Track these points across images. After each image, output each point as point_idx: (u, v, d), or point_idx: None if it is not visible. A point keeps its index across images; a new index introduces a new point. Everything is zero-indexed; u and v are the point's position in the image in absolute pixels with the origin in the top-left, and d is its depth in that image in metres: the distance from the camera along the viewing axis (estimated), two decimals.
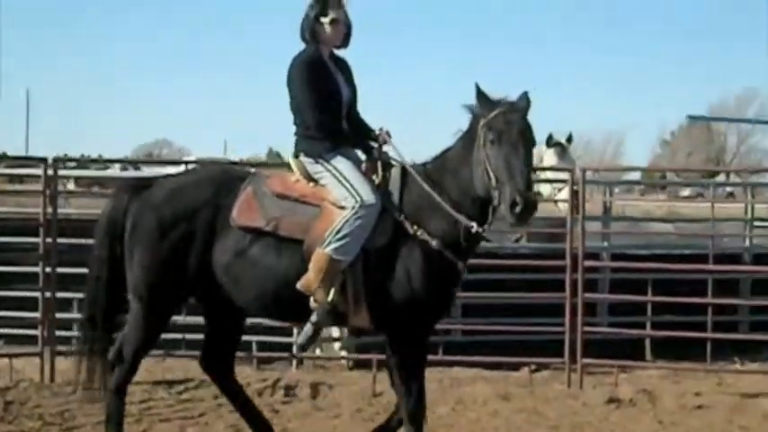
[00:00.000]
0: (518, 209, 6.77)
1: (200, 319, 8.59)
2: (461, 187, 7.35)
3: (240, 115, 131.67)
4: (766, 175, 33.59)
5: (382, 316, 7.50)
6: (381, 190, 7.55)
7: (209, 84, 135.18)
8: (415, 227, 7.41)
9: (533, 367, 12.38)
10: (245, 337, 12.06)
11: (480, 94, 7.24)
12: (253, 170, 8.32)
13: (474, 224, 7.25)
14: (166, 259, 7.75)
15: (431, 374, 11.79)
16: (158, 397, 11.20)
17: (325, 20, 7.76)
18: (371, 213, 7.43)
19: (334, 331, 12.88)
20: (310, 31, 7.78)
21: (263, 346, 12.58)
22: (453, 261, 7.43)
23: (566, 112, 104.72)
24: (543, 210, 15.87)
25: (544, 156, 13.69)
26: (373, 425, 10.32)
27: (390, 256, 7.42)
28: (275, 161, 23.24)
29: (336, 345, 13.06)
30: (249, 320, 12.06)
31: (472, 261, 7.71)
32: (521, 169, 6.91)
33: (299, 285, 7.43)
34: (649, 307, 12.46)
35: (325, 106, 7.68)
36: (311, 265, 7.41)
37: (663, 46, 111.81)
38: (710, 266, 12.03)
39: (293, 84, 7.69)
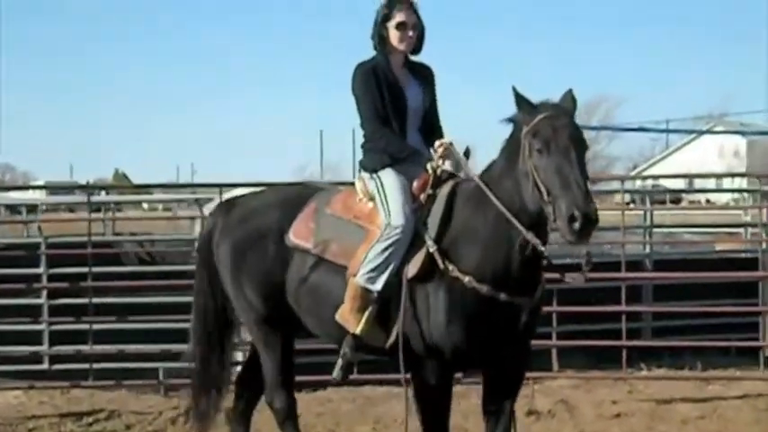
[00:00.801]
0: (577, 225, 5.94)
1: (108, 348, 8.20)
2: (507, 204, 6.47)
3: (85, 138, 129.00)
4: (612, 183, 34.39)
5: (410, 356, 6.81)
6: (425, 210, 6.86)
7: (53, 107, 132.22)
8: (446, 260, 6.63)
9: None
10: (152, 364, 11.88)
11: (519, 99, 6.43)
12: (327, 187, 7.93)
13: (538, 241, 6.38)
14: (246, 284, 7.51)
15: (342, 394, 11.80)
16: (67, 430, 10.77)
17: (390, 24, 7.20)
18: (399, 237, 6.80)
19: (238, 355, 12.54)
20: (377, 36, 7.25)
21: (170, 373, 12.10)
22: (497, 298, 6.54)
23: None
24: None
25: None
26: None
27: (420, 291, 6.73)
28: (122, 183, 22.69)
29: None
30: (156, 347, 11.97)
31: None
32: (575, 179, 6.07)
33: (336, 316, 7.01)
34: (554, 317, 12.46)
35: (386, 117, 7.12)
36: (346, 295, 6.96)
37: (511, 48, 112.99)
38: (622, 274, 12.11)
39: (354, 94, 7.20)
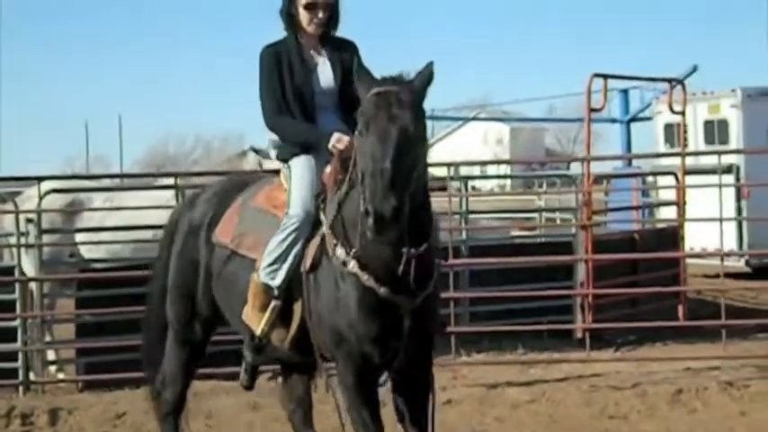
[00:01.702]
0: (370, 221, 5.33)
1: None
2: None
3: None
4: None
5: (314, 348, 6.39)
6: (334, 199, 6.28)
7: None
8: (335, 244, 6.11)
9: (270, 375, 12.06)
10: None
11: (360, 72, 5.88)
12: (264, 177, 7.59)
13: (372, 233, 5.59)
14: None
15: None
16: None
17: (300, 2, 6.73)
18: (295, 227, 6.36)
19: (50, 354, 12.15)
20: (286, 15, 6.80)
21: None
22: (377, 291, 5.95)
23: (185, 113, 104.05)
24: None
25: (264, 161, 13.42)
26: None
27: (317, 283, 6.25)
28: None
29: (52, 368, 12.23)
30: None
31: None
32: (382, 168, 5.33)
33: (243, 316, 6.63)
34: None
35: (286, 103, 6.68)
36: (249, 292, 6.54)
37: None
38: (466, 260, 12.18)
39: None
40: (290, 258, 6.37)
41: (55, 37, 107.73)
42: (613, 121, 33.03)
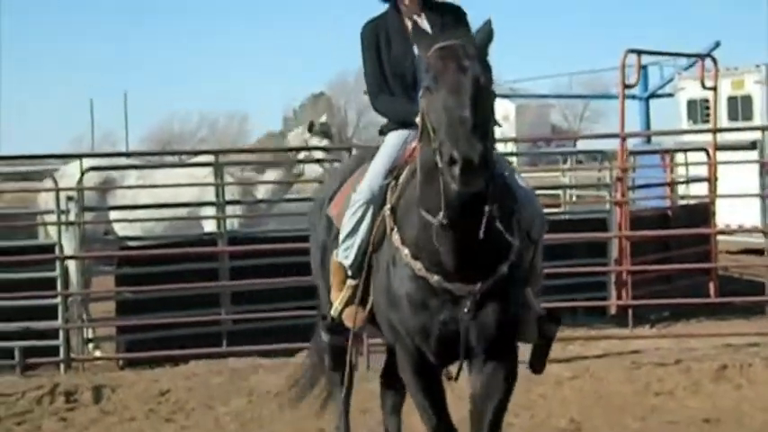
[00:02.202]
0: (456, 169, 4.94)
1: None
2: (425, 164, 5.49)
3: None
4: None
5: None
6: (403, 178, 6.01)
7: None
8: (392, 228, 5.84)
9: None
10: (6, 344, 11.34)
11: (416, 32, 5.67)
12: None
13: (438, 217, 5.39)
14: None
15: (207, 367, 11.53)
16: None
17: None
18: (361, 204, 6.12)
19: (88, 331, 12.15)
20: None
21: (27, 352, 11.53)
22: (430, 280, 5.61)
23: (188, 92, 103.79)
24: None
25: (309, 142, 13.41)
26: (171, 425, 10.01)
27: (378, 266, 6.00)
28: None
29: (90, 345, 12.23)
30: (11, 325, 11.46)
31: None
32: (461, 116, 5.02)
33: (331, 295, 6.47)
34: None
35: (386, 80, 6.39)
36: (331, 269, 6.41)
37: (285, 25, 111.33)
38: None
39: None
40: (360, 236, 6.14)
41: (56, 16, 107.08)
42: (633, 97, 33.00)
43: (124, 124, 71.89)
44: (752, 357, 10.99)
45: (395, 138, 6.37)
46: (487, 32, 5.52)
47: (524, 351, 6.25)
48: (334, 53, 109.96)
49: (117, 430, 9.93)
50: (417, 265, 5.64)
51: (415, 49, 6.03)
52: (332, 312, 6.39)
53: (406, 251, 5.69)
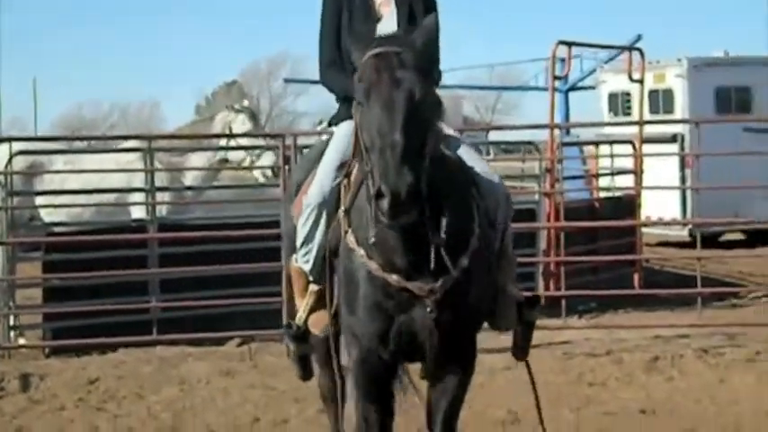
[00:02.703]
0: (384, 203, 4.60)
1: None
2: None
3: None
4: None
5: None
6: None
7: None
8: (347, 230, 5.44)
9: (238, 341, 11.95)
10: None
11: (350, 31, 5.27)
12: None
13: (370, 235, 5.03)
14: None
15: (135, 355, 11.39)
16: None
17: None
18: (313, 208, 5.74)
19: (11, 319, 11.93)
20: None
21: None
22: (388, 280, 5.23)
23: (99, 79, 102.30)
24: (240, 178, 15.71)
25: (233, 123, 13.25)
26: (103, 414, 9.85)
27: (336, 270, 5.66)
28: None
29: (11, 333, 11.99)
30: None
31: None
32: (391, 141, 4.64)
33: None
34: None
35: (343, 55, 5.84)
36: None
37: (194, 16, 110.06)
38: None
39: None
40: (317, 241, 5.76)
41: None
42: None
43: (33, 110, 70.81)
44: (683, 349, 11.08)
45: (345, 129, 5.79)
46: (430, 29, 5.11)
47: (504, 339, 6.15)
48: (246, 41, 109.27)
49: (47, 419, 9.69)
50: (373, 266, 5.25)
51: (378, 27, 5.81)
52: (296, 320, 6.06)
53: (361, 252, 5.30)
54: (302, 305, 5.98)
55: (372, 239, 5.07)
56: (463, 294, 5.31)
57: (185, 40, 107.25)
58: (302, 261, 5.88)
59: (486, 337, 10.98)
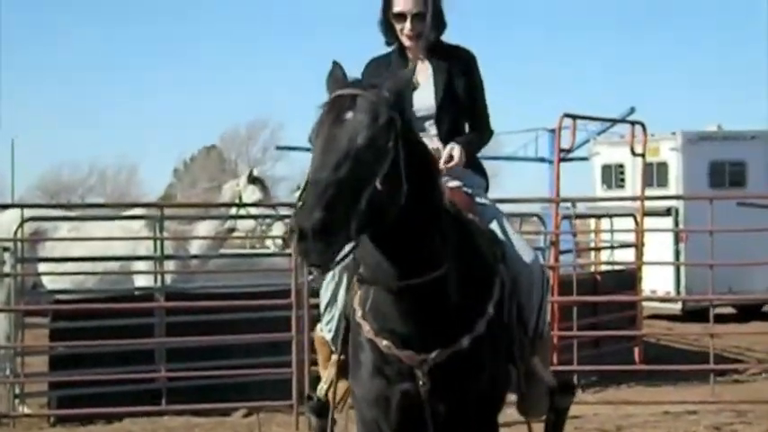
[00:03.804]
0: (293, 238, 4.38)
1: None
2: None
3: None
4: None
5: None
6: None
7: None
8: (357, 290, 5.25)
9: (245, 411, 11.84)
10: None
11: (332, 73, 4.88)
12: None
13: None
14: None
15: (140, 425, 11.29)
16: None
17: (391, 12, 5.81)
18: (338, 274, 5.52)
19: (16, 387, 11.79)
20: (385, 23, 5.86)
21: None
22: (379, 344, 5.04)
23: (78, 140, 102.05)
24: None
25: (243, 192, 13.22)
26: None
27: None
28: None
29: (16, 401, 11.85)
30: None
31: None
32: (315, 179, 4.43)
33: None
34: None
35: None
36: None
37: (174, 80, 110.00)
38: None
39: None
40: (339, 306, 5.58)
41: None
42: (542, 160, 33.32)
43: (10, 171, 70.58)
44: (695, 426, 11.03)
45: None
46: (401, 79, 4.88)
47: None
48: (226, 106, 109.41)
49: None
50: (366, 327, 5.08)
51: (414, 95, 5.70)
52: (318, 392, 5.83)
53: (359, 312, 5.15)
54: (324, 376, 5.77)
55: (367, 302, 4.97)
56: (467, 374, 5.04)
57: (164, 103, 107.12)
58: (325, 330, 5.71)
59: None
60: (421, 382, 4.97)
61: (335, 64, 4.88)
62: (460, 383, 5.02)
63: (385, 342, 4.99)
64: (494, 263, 5.28)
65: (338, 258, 4.48)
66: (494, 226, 5.58)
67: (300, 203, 4.38)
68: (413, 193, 4.68)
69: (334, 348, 5.63)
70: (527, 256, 5.58)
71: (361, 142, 4.51)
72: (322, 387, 5.76)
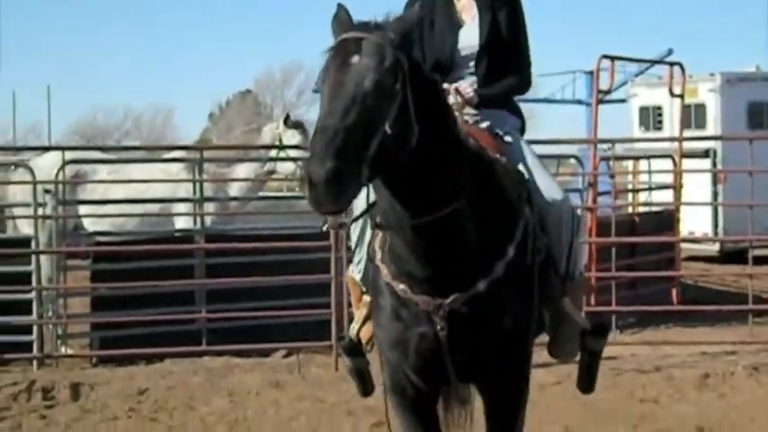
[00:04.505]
0: (305, 187, 4.30)
1: None
2: None
3: None
4: None
5: None
6: None
7: None
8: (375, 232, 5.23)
9: (285, 352, 11.95)
10: None
11: (337, 16, 4.74)
12: None
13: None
14: None
15: (182, 366, 11.38)
16: None
17: None
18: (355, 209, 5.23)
19: (59, 328, 11.93)
20: None
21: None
22: (395, 287, 5.01)
23: (113, 86, 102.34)
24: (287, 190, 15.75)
25: (283, 135, 13.26)
26: (156, 425, 9.84)
27: None
28: None
29: (59, 342, 12.00)
30: None
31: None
32: (323, 126, 4.33)
33: None
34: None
35: (427, 57, 5.61)
36: None
37: (207, 24, 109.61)
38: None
39: None
40: (365, 247, 5.49)
41: None
42: (579, 102, 33.22)
43: (47, 116, 70.75)
44: (733, 366, 11.02)
45: None
46: (408, 19, 4.73)
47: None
48: (260, 49, 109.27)
49: (101, 429, 9.69)
50: (384, 271, 5.06)
51: (459, 33, 5.65)
52: (349, 332, 5.81)
53: (379, 255, 5.11)
54: (357, 316, 5.72)
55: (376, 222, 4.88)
56: (485, 318, 4.98)
57: (199, 48, 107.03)
58: (355, 270, 5.66)
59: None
60: (438, 327, 4.93)
61: (340, 6, 4.76)
62: (479, 327, 4.97)
63: (401, 286, 4.96)
64: (518, 203, 5.19)
65: (354, 213, 4.50)
66: (521, 166, 5.50)
67: (310, 152, 4.31)
68: (424, 133, 4.61)
69: (364, 289, 5.60)
70: (555, 195, 5.50)
71: (367, 86, 4.42)
72: (353, 327, 5.74)
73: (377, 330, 5.26)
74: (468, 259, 4.90)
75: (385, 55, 4.50)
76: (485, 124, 5.67)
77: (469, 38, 5.69)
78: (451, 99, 5.44)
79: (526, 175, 5.44)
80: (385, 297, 5.08)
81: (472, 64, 5.73)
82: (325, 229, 4.67)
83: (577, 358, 6.06)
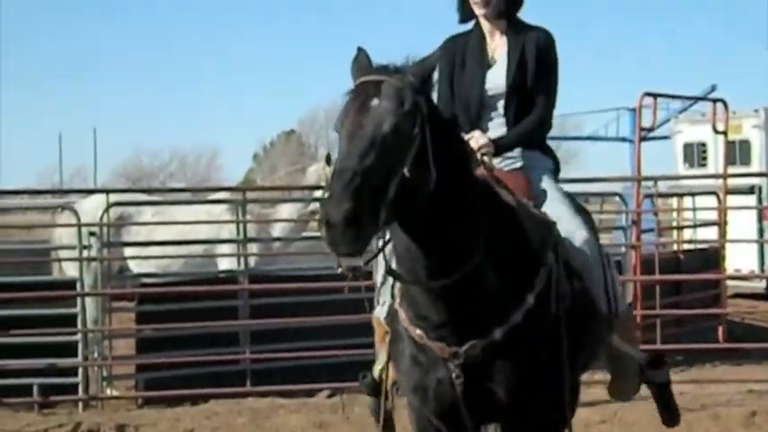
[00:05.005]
0: (323, 228, 4.27)
1: None
2: None
3: None
4: None
5: None
6: None
7: None
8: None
9: (329, 392, 11.94)
10: (24, 380, 11.20)
11: (357, 59, 4.77)
12: None
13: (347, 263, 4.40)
14: None
15: (227, 407, 11.39)
16: None
17: None
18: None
19: (104, 370, 12.00)
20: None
21: (45, 389, 11.38)
22: (412, 332, 5.01)
23: (158, 128, 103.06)
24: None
25: (327, 175, 13.29)
26: None
27: None
28: None
29: (104, 383, 12.06)
30: (28, 361, 11.32)
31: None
32: (341, 168, 4.35)
33: None
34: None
35: (456, 100, 5.67)
36: None
37: (256, 63, 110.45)
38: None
39: None
40: (388, 287, 5.41)
41: (25, 47, 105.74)
42: (623, 139, 33.13)
43: (93, 159, 71.34)
44: None
45: None
46: (429, 64, 4.71)
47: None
48: (304, 90, 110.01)
49: None
50: (402, 315, 5.06)
51: (488, 73, 5.65)
52: (373, 372, 5.80)
53: (398, 299, 5.12)
54: (379, 357, 5.69)
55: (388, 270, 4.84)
56: (502, 367, 4.92)
57: (244, 89, 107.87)
58: (379, 309, 5.62)
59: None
60: (454, 375, 4.90)
61: (360, 50, 4.78)
62: (496, 376, 4.92)
63: (418, 331, 4.96)
64: (541, 249, 5.10)
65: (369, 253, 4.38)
66: (548, 209, 5.44)
67: (328, 193, 4.31)
68: (442, 178, 4.59)
69: (387, 329, 5.49)
70: (581, 236, 5.44)
71: (386, 129, 4.43)
72: (376, 368, 5.73)
73: (399, 374, 5.26)
74: (486, 306, 4.87)
75: (404, 98, 4.52)
76: (516, 165, 5.66)
77: (497, 78, 5.67)
78: (474, 143, 5.38)
79: (553, 219, 5.36)
80: (404, 341, 5.10)
81: (500, 105, 5.68)
82: (339, 271, 4.48)
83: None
